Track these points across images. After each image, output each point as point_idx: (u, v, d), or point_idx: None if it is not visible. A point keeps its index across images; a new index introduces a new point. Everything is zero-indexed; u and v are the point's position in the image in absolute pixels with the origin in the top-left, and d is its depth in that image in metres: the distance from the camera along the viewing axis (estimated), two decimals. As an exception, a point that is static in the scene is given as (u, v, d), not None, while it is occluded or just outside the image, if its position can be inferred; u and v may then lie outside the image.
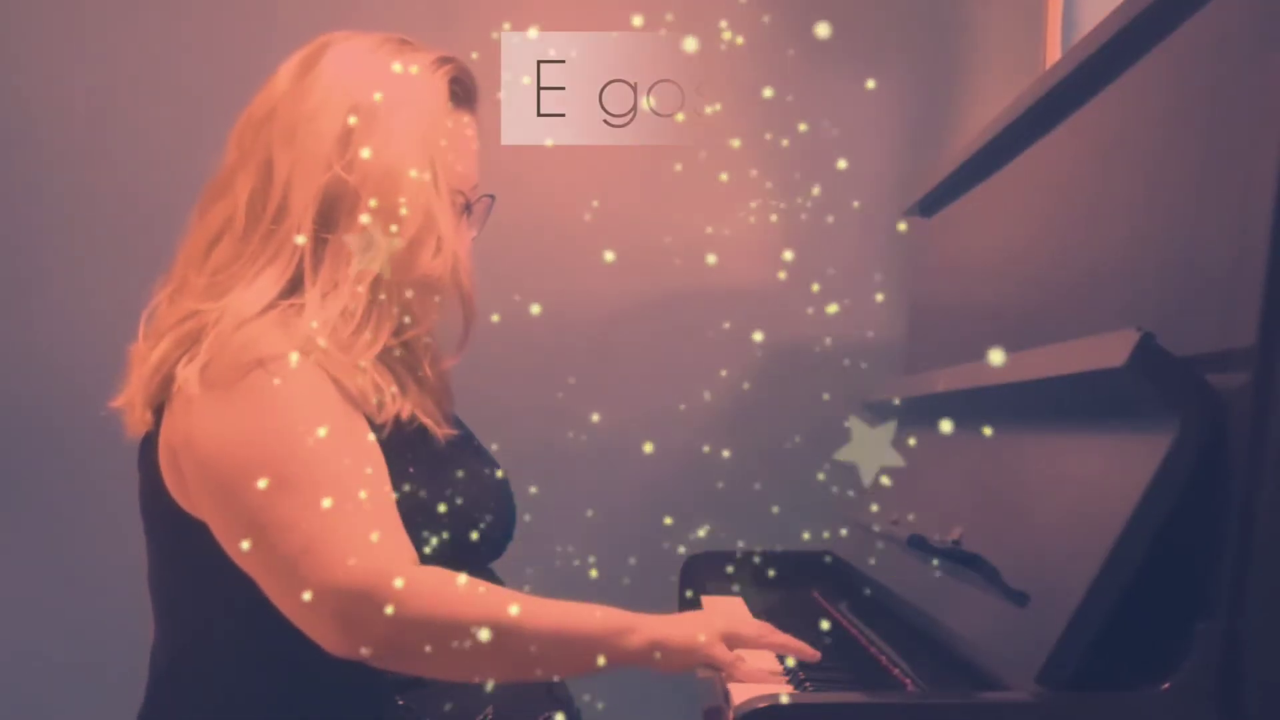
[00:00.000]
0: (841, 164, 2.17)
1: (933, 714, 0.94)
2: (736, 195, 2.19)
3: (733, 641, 1.13)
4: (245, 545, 1.03)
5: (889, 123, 2.17)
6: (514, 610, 1.05)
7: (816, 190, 2.19)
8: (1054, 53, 2.04)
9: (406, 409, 1.15)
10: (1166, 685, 0.86)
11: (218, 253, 1.13)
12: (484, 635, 1.03)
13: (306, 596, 1.00)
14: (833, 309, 2.18)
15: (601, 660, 1.07)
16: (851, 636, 1.37)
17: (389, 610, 0.99)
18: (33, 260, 2.14)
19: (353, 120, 1.12)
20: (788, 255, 2.19)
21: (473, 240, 1.26)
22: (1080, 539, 0.93)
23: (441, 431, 1.19)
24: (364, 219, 1.10)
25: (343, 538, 1.01)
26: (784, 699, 0.93)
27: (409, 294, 1.16)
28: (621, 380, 2.20)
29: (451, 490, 1.15)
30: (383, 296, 1.13)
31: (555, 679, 1.21)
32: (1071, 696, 0.88)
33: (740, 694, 0.99)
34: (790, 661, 1.17)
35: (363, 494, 1.05)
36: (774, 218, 2.19)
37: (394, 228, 1.11)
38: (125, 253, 1.98)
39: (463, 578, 1.06)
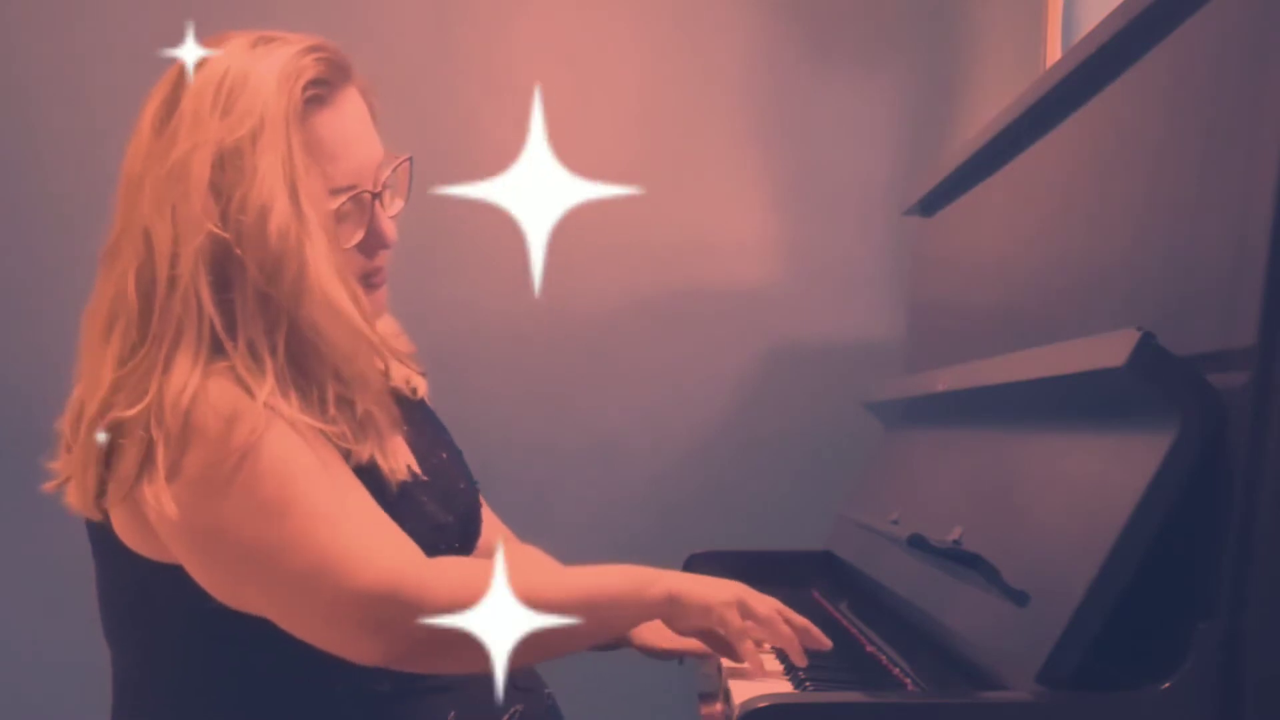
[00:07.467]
0: (842, 163, 2.17)
1: (933, 714, 0.94)
2: (736, 194, 2.19)
3: (746, 611, 1.14)
4: (247, 582, 1.01)
5: (889, 122, 2.17)
6: (537, 582, 1.05)
7: (817, 189, 2.19)
8: (1054, 53, 2.04)
9: (366, 452, 1.09)
10: (1166, 685, 0.86)
11: (118, 335, 1.06)
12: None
13: (329, 611, 0.99)
14: (832, 309, 2.18)
15: (627, 617, 1.08)
16: (851, 636, 1.37)
17: (418, 606, 0.98)
18: (32, 260, 2.14)
19: (215, 172, 1.04)
20: (788, 254, 2.19)
21: (400, 212, 1.18)
22: (1080, 539, 0.93)
23: (395, 479, 1.11)
24: (250, 272, 1.04)
25: (355, 545, 1.00)
26: (784, 698, 0.93)
27: (321, 340, 1.07)
28: (621, 380, 2.20)
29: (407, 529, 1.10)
30: (305, 349, 1.06)
31: (586, 648, 1.17)
32: (1071, 696, 0.89)
33: (741, 693, 0.99)
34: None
35: (358, 506, 1.04)
36: (774, 217, 2.19)
37: (277, 277, 1.04)
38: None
39: (477, 561, 1.05)
